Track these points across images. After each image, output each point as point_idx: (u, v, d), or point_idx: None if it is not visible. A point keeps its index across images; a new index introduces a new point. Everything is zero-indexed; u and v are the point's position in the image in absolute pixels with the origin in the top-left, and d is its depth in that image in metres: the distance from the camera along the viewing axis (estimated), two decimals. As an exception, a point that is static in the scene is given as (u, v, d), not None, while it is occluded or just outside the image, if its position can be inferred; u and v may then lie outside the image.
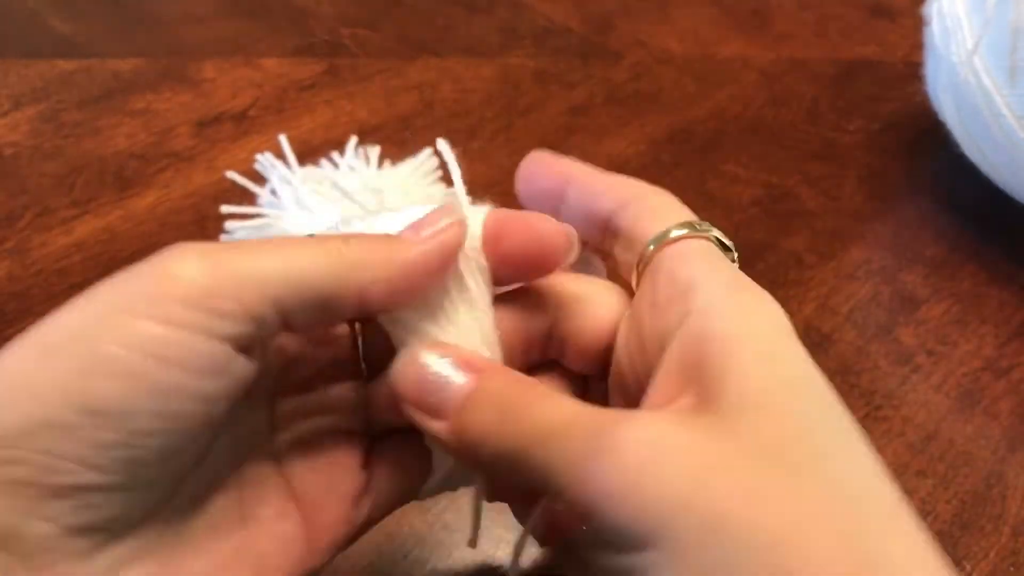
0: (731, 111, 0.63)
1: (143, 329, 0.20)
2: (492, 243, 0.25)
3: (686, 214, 0.27)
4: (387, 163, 0.50)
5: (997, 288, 0.50)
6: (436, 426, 0.23)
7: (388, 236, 0.24)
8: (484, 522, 0.38)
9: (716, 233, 0.26)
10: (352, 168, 0.49)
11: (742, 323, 0.22)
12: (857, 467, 0.20)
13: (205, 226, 0.50)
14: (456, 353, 0.24)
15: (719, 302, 0.23)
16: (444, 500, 0.38)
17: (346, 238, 0.23)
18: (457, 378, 0.23)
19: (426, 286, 0.24)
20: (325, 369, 0.26)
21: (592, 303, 0.27)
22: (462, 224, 0.24)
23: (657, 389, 0.23)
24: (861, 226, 0.54)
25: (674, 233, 0.26)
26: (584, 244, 0.28)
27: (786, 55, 0.69)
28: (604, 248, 0.28)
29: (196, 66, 0.62)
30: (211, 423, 0.22)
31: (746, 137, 0.60)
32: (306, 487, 0.26)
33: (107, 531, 0.21)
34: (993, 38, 0.48)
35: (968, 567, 0.39)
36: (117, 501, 0.21)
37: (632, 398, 0.25)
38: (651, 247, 0.25)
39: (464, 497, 0.38)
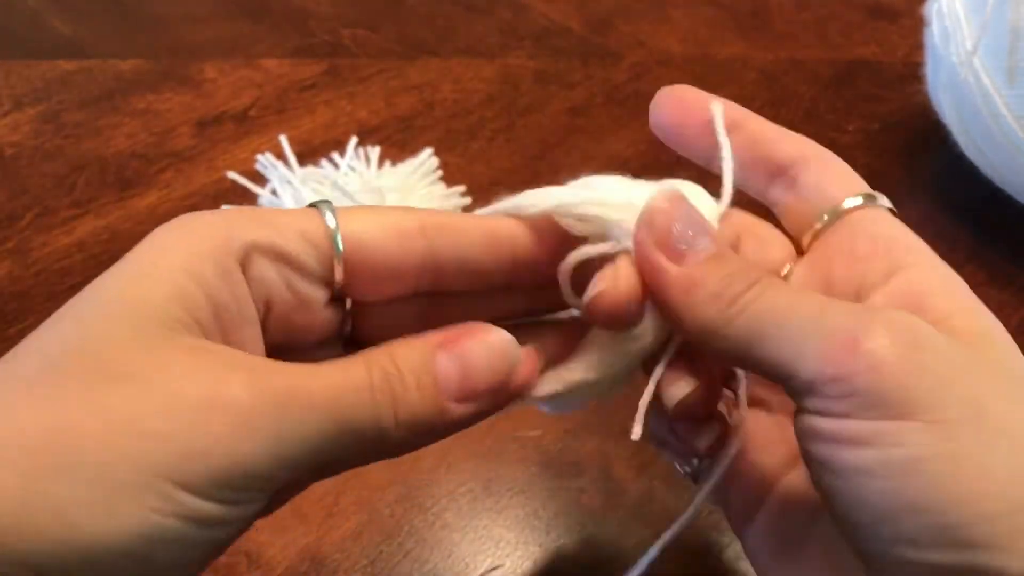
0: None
1: (193, 504, 0.19)
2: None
3: (864, 184, 0.28)
4: (387, 163, 0.51)
5: (996, 288, 0.50)
6: (673, 272, 0.23)
7: (429, 398, 0.22)
8: (484, 521, 0.38)
9: (889, 205, 0.27)
10: (352, 168, 0.49)
11: (949, 276, 0.25)
12: None
13: (205, 226, 0.50)
14: (703, 220, 0.24)
15: (926, 261, 0.25)
16: (444, 500, 0.38)
17: (395, 414, 0.21)
18: (704, 236, 0.23)
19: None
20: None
21: (769, 242, 0.28)
22: (517, 377, 0.23)
23: None
24: (861, 226, 0.54)
25: (860, 200, 0.27)
26: None
27: (786, 55, 0.69)
28: (766, 196, 0.29)
29: (197, 66, 0.62)
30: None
31: (746, 137, 0.60)
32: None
33: None
34: (992, 39, 0.48)
35: (967, 567, 0.39)
36: None
37: None
38: (845, 205, 0.26)
39: (465, 497, 0.38)
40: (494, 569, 0.37)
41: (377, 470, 0.39)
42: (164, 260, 0.21)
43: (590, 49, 0.68)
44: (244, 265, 0.22)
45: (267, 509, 0.22)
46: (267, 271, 0.22)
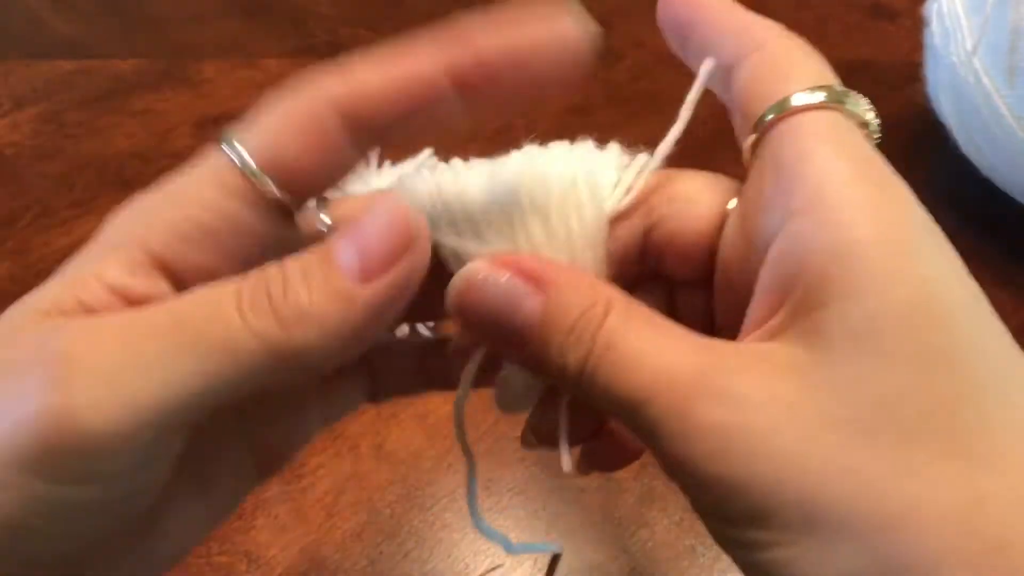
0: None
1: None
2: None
3: (822, 74, 0.20)
4: (387, 163, 0.51)
5: (996, 288, 0.50)
6: (519, 356, 0.19)
7: (325, 280, 0.18)
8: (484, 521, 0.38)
9: (856, 103, 0.20)
10: (352, 168, 0.49)
11: (857, 228, 0.17)
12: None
13: (205, 226, 0.50)
14: (515, 264, 0.19)
15: (831, 199, 0.18)
16: (444, 500, 0.38)
17: (275, 309, 0.17)
18: (527, 297, 0.19)
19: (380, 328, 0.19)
20: None
21: (691, 201, 0.23)
22: (423, 241, 0.19)
23: (754, 307, 0.19)
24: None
25: (797, 100, 0.19)
26: None
27: (786, 55, 0.69)
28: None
29: (196, 67, 0.62)
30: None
31: (746, 137, 0.60)
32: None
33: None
34: (992, 39, 0.48)
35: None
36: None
37: (738, 309, 0.20)
38: (769, 117, 0.19)
39: (465, 497, 0.38)
40: (494, 569, 0.37)
41: (377, 470, 0.39)
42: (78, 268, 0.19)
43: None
44: (160, 263, 0.19)
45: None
46: (186, 260, 0.19)
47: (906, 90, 0.64)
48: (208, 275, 0.19)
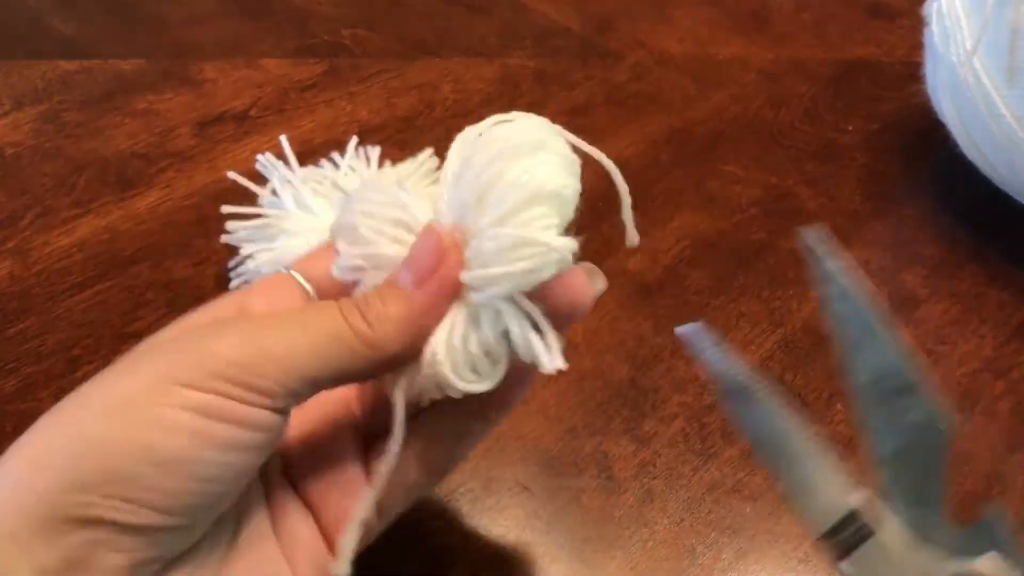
0: (730, 111, 0.63)
1: (195, 396, 0.23)
2: None
3: None
4: (387, 163, 0.51)
5: (996, 288, 0.51)
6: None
7: (395, 296, 0.26)
8: (483, 520, 0.38)
9: None
10: (352, 168, 0.49)
11: None
12: None
13: (206, 226, 0.50)
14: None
15: None
16: (444, 500, 0.38)
17: (366, 316, 0.25)
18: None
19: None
20: None
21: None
22: (453, 253, 0.26)
23: None
24: (860, 226, 0.54)
25: None
26: None
27: (785, 55, 0.69)
28: None
29: (197, 67, 0.62)
30: (260, 464, 0.25)
31: (745, 137, 0.60)
32: (312, 488, 0.28)
33: (167, 560, 0.24)
34: (992, 38, 0.48)
35: (967, 566, 0.39)
36: (180, 536, 0.24)
37: None
38: None
39: (465, 497, 0.38)
40: (494, 569, 0.37)
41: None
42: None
43: (590, 49, 0.68)
44: (242, 311, 0.28)
45: (287, 419, 0.25)
46: (259, 306, 0.28)
47: (906, 90, 0.64)
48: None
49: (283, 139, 0.48)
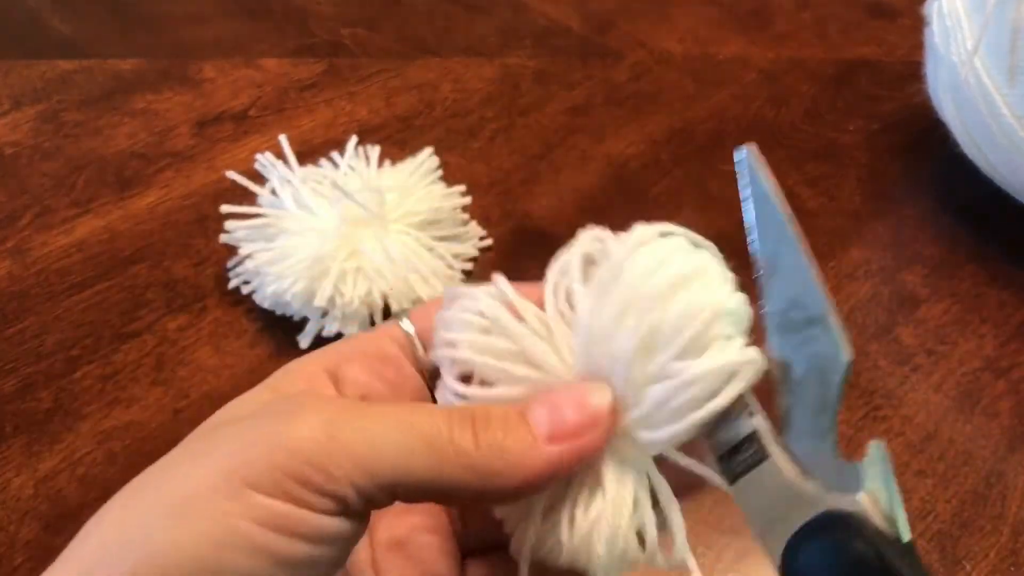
0: (731, 111, 0.63)
1: (264, 504, 0.21)
2: None
3: None
4: (387, 163, 0.51)
5: (997, 288, 0.50)
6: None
7: (520, 433, 0.22)
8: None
9: None
10: (352, 168, 0.49)
11: None
12: None
13: (205, 226, 0.50)
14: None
15: None
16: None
17: (476, 437, 0.22)
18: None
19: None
20: None
21: None
22: (607, 423, 0.23)
23: None
24: (861, 226, 0.54)
25: None
26: None
27: (786, 55, 0.69)
28: None
29: (196, 66, 0.62)
30: (332, 572, 0.23)
31: (746, 137, 0.60)
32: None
33: None
34: (993, 38, 0.48)
35: (968, 567, 0.39)
36: None
37: None
38: None
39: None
40: (494, 569, 0.36)
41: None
42: (268, 381, 0.25)
43: (590, 49, 0.68)
44: (333, 374, 0.25)
45: (361, 530, 0.23)
46: (354, 370, 0.25)
47: (906, 90, 0.64)
48: (363, 386, 0.26)
49: (282, 139, 0.48)
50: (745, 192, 0.25)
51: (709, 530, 0.38)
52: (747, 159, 0.25)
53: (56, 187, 0.52)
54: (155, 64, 0.62)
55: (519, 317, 0.24)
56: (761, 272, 0.24)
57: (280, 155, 0.48)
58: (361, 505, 0.22)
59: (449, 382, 0.24)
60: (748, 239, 0.25)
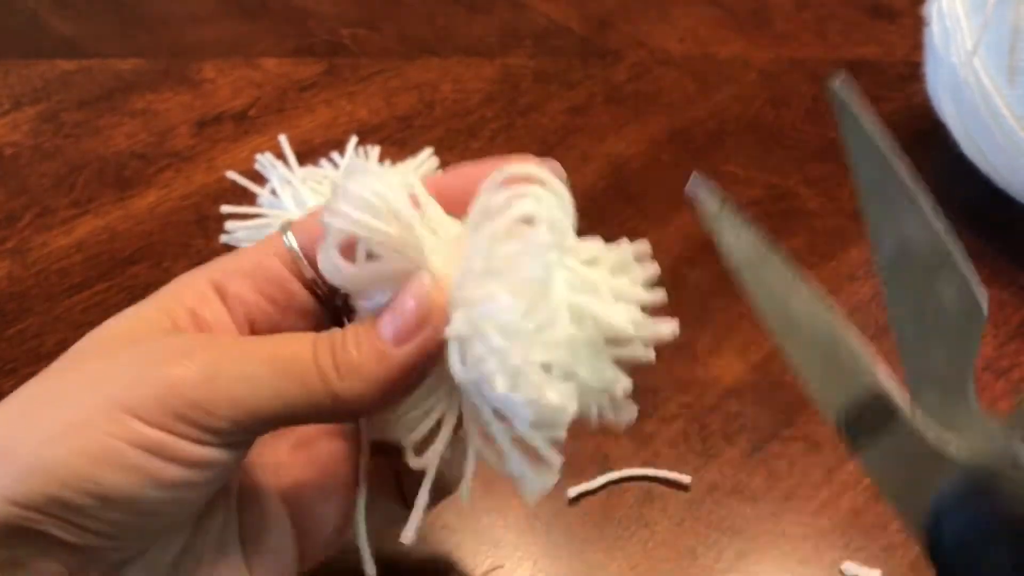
0: (731, 111, 0.63)
1: (147, 433, 0.22)
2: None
3: None
4: (387, 163, 0.51)
5: (997, 288, 0.50)
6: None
7: (370, 345, 0.24)
8: (484, 522, 0.38)
9: None
10: (352, 168, 0.49)
11: None
12: None
13: (205, 226, 0.50)
14: None
15: None
16: (444, 500, 0.38)
17: (335, 361, 0.24)
18: None
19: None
20: None
21: None
22: (442, 314, 0.24)
23: None
24: (861, 226, 0.54)
25: None
26: None
27: (786, 55, 0.69)
28: None
29: (196, 66, 0.62)
30: (211, 491, 0.25)
31: (746, 137, 0.60)
32: (299, 494, 0.28)
33: (115, 568, 0.24)
34: (993, 38, 0.48)
35: (968, 567, 0.39)
36: (123, 553, 0.24)
37: None
38: None
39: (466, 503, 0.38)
40: (494, 569, 0.37)
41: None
42: (154, 295, 0.26)
43: (590, 49, 0.68)
44: (220, 290, 0.26)
45: (239, 457, 0.25)
46: (240, 288, 0.26)
47: (906, 90, 0.64)
48: (250, 305, 0.26)
49: (282, 139, 0.48)
50: (842, 131, 0.22)
51: (709, 530, 0.38)
52: (842, 95, 0.21)
53: (56, 187, 0.52)
54: (155, 64, 0.62)
55: (416, 206, 0.24)
56: (870, 218, 0.22)
57: (280, 155, 0.48)
58: (239, 437, 0.24)
59: (330, 252, 0.24)
60: (853, 180, 0.22)
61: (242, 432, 0.23)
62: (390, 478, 0.30)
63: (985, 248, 0.53)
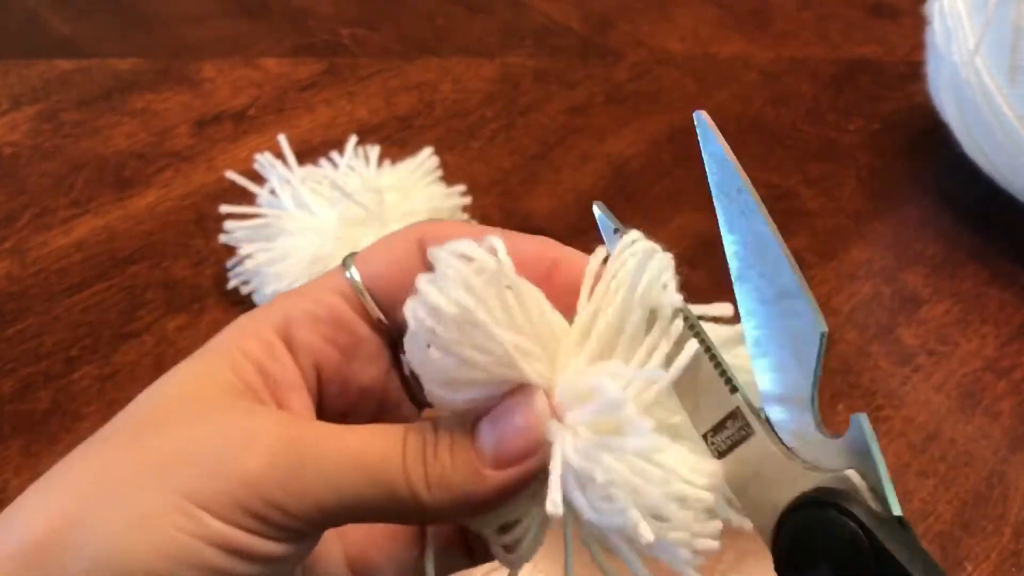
0: (731, 111, 0.62)
1: (219, 529, 0.21)
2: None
3: None
4: (387, 163, 0.50)
5: (998, 288, 0.50)
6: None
7: (466, 462, 0.22)
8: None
9: None
10: (352, 168, 0.49)
11: None
12: None
13: (205, 226, 0.50)
14: None
15: None
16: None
17: (426, 472, 0.22)
18: None
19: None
20: None
21: None
22: (546, 446, 0.22)
23: None
24: (861, 226, 0.54)
25: None
26: None
27: (786, 55, 0.69)
28: None
29: (196, 66, 0.62)
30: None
31: (746, 137, 0.60)
32: (363, 554, 0.27)
33: None
34: (994, 37, 0.48)
35: (969, 568, 0.38)
36: None
37: None
38: None
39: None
40: (495, 570, 0.36)
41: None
42: (216, 343, 0.24)
43: (590, 48, 0.68)
44: (286, 338, 0.24)
45: (310, 548, 0.23)
46: (306, 334, 0.24)
47: (907, 89, 0.64)
48: (317, 353, 0.24)
49: (282, 138, 0.48)
50: (707, 166, 0.24)
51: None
52: (705, 125, 0.24)
53: (55, 187, 0.52)
54: (154, 64, 0.62)
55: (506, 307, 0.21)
56: (729, 245, 0.24)
57: (279, 155, 0.48)
58: (314, 532, 0.22)
59: (417, 346, 0.22)
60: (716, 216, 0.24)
61: (319, 528, 0.23)
62: (454, 528, 0.28)
63: (986, 248, 0.53)
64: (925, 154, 0.59)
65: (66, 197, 0.51)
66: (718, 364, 0.23)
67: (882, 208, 0.55)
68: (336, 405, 0.25)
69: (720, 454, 0.23)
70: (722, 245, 0.25)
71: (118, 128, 0.57)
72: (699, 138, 0.24)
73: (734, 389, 0.23)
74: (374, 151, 0.50)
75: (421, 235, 0.24)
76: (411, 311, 0.22)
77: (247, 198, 0.47)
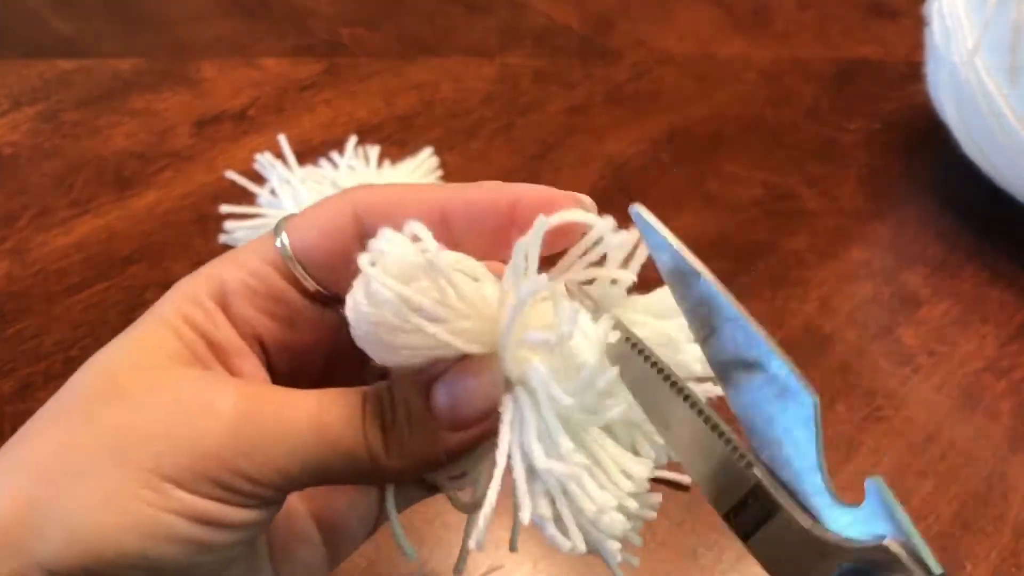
0: (731, 111, 0.62)
1: (188, 500, 0.21)
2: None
3: None
4: (387, 163, 0.50)
5: (998, 288, 0.50)
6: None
7: (423, 427, 0.23)
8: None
9: None
10: (352, 168, 0.49)
11: None
12: None
13: (205, 226, 0.50)
14: None
15: None
16: (444, 500, 0.38)
17: (385, 438, 0.23)
18: None
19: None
20: None
21: None
22: (497, 399, 0.23)
23: None
24: (861, 226, 0.54)
25: None
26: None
27: (786, 55, 0.69)
28: None
29: (196, 66, 0.62)
30: (253, 540, 0.24)
31: (746, 137, 0.60)
32: (326, 506, 0.27)
33: None
34: (994, 38, 0.48)
35: (969, 568, 0.38)
36: None
37: None
38: None
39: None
40: (494, 570, 0.36)
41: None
42: (157, 311, 0.24)
43: (590, 48, 0.68)
44: (224, 307, 0.24)
45: (277, 511, 0.24)
46: (243, 307, 0.24)
47: (907, 90, 0.64)
48: (256, 325, 0.25)
49: (282, 138, 0.48)
50: (648, 246, 0.24)
51: (709, 530, 0.38)
52: (642, 218, 0.24)
53: (55, 187, 0.52)
54: (154, 64, 0.62)
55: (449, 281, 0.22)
56: (697, 331, 0.23)
57: (279, 155, 0.48)
58: (280, 496, 0.23)
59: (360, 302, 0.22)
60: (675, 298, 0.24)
61: (285, 492, 0.23)
62: None
63: (987, 248, 0.53)
64: (925, 154, 0.59)
65: (66, 197, 0.51)
66: (723, 435, 0.23)
67: (882, 208, 0.55)
68: (283, 368, 0.26)
69: (746, 535, 0.22)
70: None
71: (118, 128, 0.57)
72: (640, 233, 0.24)
73: (750, 464, 0.22)
74: (374, 151, 0.50)
75: (355, 202, 0.24)
76: (351, 297, 0.22)
77: (247, 198, 0.47)
